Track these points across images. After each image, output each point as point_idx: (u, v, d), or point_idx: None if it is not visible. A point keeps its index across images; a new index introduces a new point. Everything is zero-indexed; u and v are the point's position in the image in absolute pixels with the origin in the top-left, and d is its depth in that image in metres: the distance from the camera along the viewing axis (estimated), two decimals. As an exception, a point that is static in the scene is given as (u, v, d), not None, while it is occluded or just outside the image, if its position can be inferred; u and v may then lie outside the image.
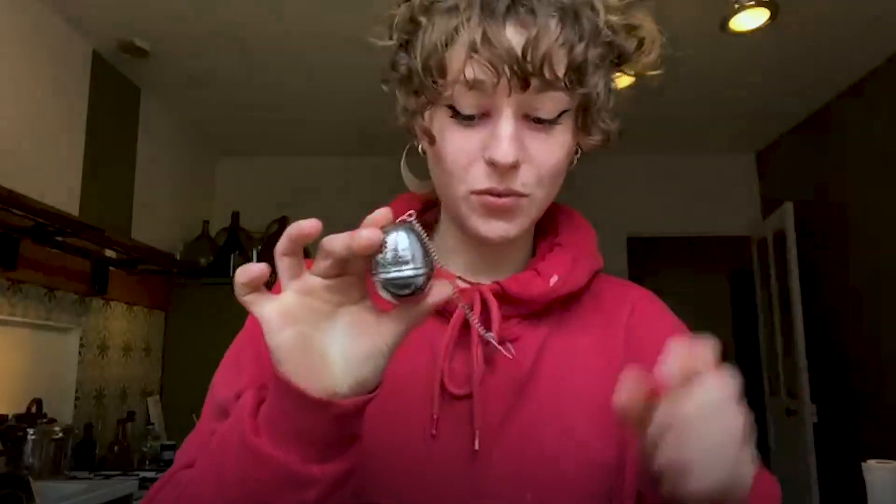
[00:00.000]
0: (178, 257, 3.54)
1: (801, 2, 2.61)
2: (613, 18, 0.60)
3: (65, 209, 2.72)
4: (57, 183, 2.76)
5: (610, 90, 0.62)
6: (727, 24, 2.08)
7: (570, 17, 0.57)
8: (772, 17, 2.07)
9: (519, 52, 0.55)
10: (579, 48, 0.57)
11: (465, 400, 0.60)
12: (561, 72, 0.56)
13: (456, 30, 0.57)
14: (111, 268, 2.99)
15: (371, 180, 4.52)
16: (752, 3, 2.02)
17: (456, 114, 0.59)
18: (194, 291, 3.70)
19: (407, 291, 0.47)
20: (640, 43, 0.62)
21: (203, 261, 3.78)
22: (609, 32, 0.59)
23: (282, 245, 0.49)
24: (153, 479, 2.46)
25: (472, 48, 0.56)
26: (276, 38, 2.94)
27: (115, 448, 2.87)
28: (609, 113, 0.63)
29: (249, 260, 3.74)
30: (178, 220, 3.89)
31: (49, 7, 2.68)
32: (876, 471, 1.26)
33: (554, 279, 0.64)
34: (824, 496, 3.51)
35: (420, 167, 0.70)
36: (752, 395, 5.00)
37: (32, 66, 2.63)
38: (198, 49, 3.03)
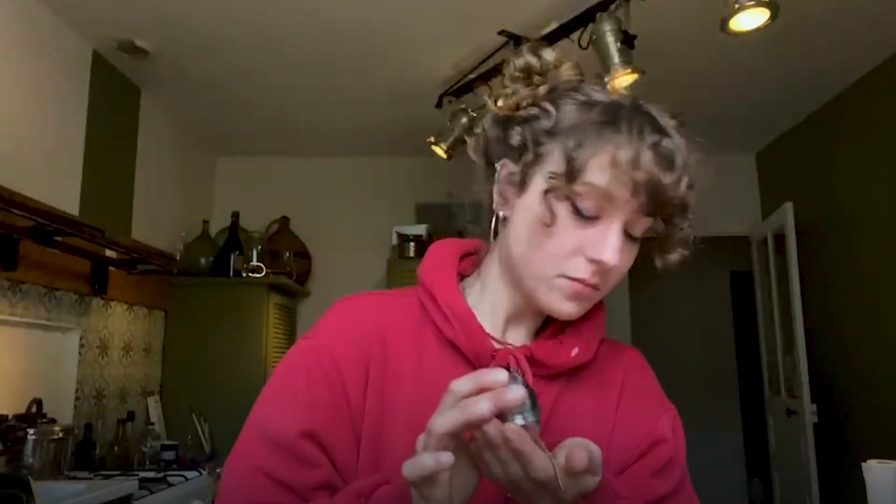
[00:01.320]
0: (178, 257, 3.54)
1: (801, 2, 2.61)
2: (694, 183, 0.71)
3: (65, 209, 2.72)
4: (57, 183, 2.76)
5: (681, 231, 0.73)
6: (727, 24, 2.08)
7: (687, 171, 0.69)
8: (772, 17, 2.07)
9: (665, 183, 0.66)
10: (692, 194, 0.70)
11: None
12: (672, 211, 0.69)
13: (608, 141, 0.66)
14: (111, 268, 2.99)
15: (371, 180, 4.52)
16: (752, 3, 2.01)
17: (577, 210, 0.67)
18: (194, 291, 3.70)
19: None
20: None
21: (203, 261, 3.78)
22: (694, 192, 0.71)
23: (455, 424, 0.55)
24: (153, 479, 2.47)
25: (618, 164, 0.65)
26: (276, 38, 2.94)
27: (115, 448, 2.87)
28: (683, 243, 0.75)
29: (249, 260, 3.74)
30: (178, 220, 3.89)
31: (49, 7, 2.68)
32: (876, 471, 1.26)
33: (575, 351, 0.75)
34: (824, 496, 3.51)
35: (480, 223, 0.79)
36: (753, 395, 5.01)
37: (32, 66, 2.63)
38: (198, 49, 3.03)
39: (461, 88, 3.17)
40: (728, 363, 5.79)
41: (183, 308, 3.69)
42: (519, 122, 0.71)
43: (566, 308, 0.71)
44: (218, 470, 2.96)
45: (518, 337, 0.78)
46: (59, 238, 2.51)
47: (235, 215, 3.96)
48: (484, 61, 3.04)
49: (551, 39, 2.67)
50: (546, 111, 0.69)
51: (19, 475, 1.81)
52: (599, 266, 0.68)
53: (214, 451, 3.21)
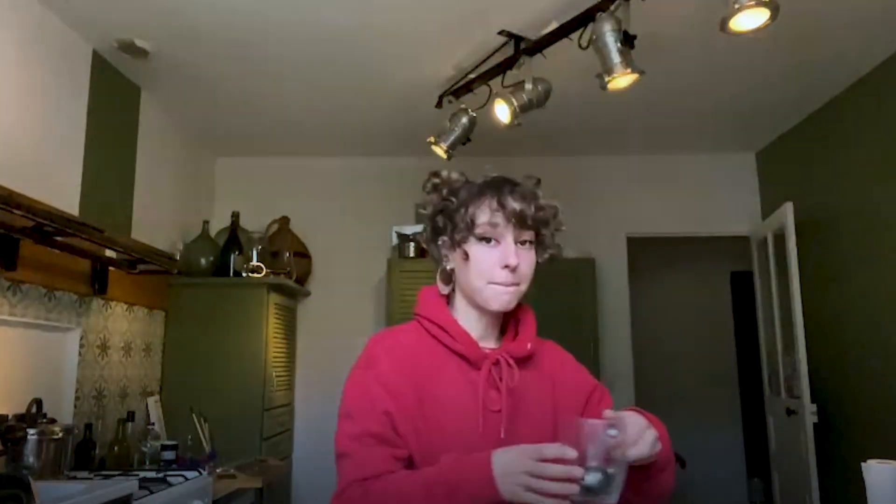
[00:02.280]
0: (178, 257, 3.54)
1: (801, 2, 2.61)
2: (545, 202, 1.17)
3: (65, 209, 2.72)
4: (57, 183, 2.76)
5: (552, 236, 1.18)
6: (727, 24, 2.08)
7: (535, 198, 1.14)
8: (772, 17, 2.07)
9: (518, 210, 1.11)
10: (540, 213, 1.14)
11: (496, 413, 1.10)
12: (533, 222, 1.13)
13: (481, 201, 1.13)
14: (111, 268, 2.99)
15: (371, 180, 4.52)
16: (752, 3, 2.01)
17: (482, 239, 1.12)
18: (194, 291, 3.70)
19: None
20: (555, 215, 1.17)
21: (203, 261, 3.78)
22: (547, 208, 1.16)
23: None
24: (153, 479, 2.47)
25: (494, 208, 1.12)
26: (276, 38, 2.94)
27: (115, 448, 2.87)
28: (553, 246, 1.18)
29: (249, 260, 3.75)
30: (178, 220, 3.89)
31: (49, 7, 2.68)
32: (876, 471, 1.26)
33: (529, 345, 1.18)
34: (824, 496, 3.51)
35: (443, 277, 1.23)
36: (753, 395, 5.00)
37: (32, 67, 2.63)
38: (198, 49, 3.03)
39: (461, 88, 3.17)
40: (728, 363, 5.79)
41: (183, 308, 3.69)
42: (438, 214, 1.17)
43: (503, 301, 1.13)
44: (218, 470, 2.96)
45: (489, 343, 1.19)
46: (59, 238, 2.51)
47: (235, 215, 3.96)
48: (484, 61, 3.04)
49: (551, 39, 2.67)
50: (450, 200, 1.15)
51: (19, 475, 1.80)
52: (510, 269, 1.10)
53: (214, 451, 3.21)
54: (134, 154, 3.42)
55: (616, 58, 2.34)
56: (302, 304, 4.37)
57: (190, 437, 3.29)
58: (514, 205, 1.11)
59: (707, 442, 5.45)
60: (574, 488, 0.86)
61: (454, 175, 1.19)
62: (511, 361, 1.13)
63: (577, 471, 0.86)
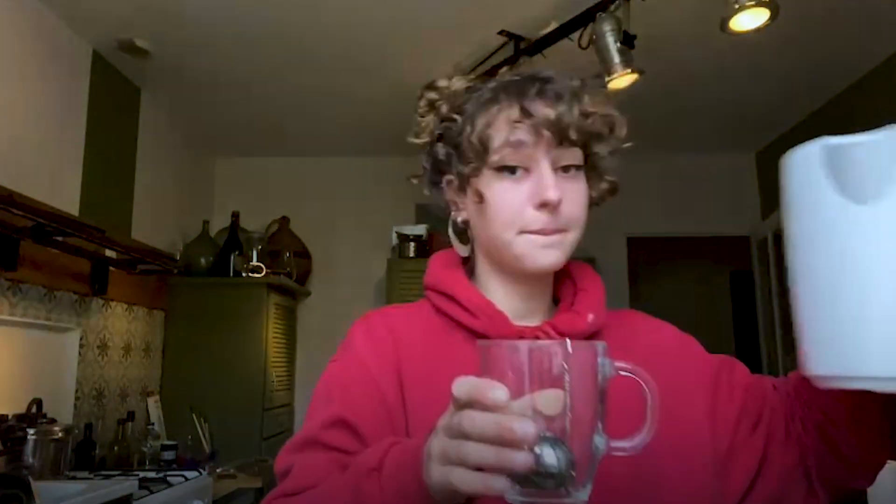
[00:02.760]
0: (178, 257, 3.54)
1: (801, 2, 2.61)
2: (600, 108, 0.79)
3: (65, 209, 2.73)
4: (57, 183, 2.76)
5: (611, 155, 0.81)
6: (727, 24, 2.08)
7: (579, 99, 0.76)
8: (772, 17, 2.07)
9: (553, 118, 0.74)
10: (589, 120, 0.76)
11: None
12: (579, 135, 0.75)
13: (497, 111, 0.77)
14: (111, 268, 2.99)
15: (371, 180, 4.52)
16: (752, 3, 2.01)
17: (502, 170, 0.75)
18: (194, 291, 3.70)
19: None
20: (612, 127, 0.81)
21: (203, 261, 3.78)
22: (600, 116, 0.79)
23: (484, 463, 0.50)
24: (153, 479, 2.47)
25: (515, 120, 0.74)
26: (276, 38, 2.94)
27: (115, 448, 2.87)
28: (611, 171, 0.82)
29: (249, 260, 3.74)
30: (178, 220, 3.89)
31: (49, 7, 2.68)
32: (876, 471, 1.26)
33: (591, 317, 0.80)
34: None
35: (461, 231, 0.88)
36: (752, 395, 4.91)
37: (32, 66, 2.63)
38: (198, 49, 3.03)
39: (461, 88, 3.17)
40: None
41: (183, 308, 3.68)
42: (438, 142, 0.82)
43: (544, 258, 0.76)
44: (218, 470, 2.96)
45: (532, 322, 0.82)
46: (59, 238, 2.51)
47: (235, 215, 3.96)
48: (484, 61, 3.04)
49: (551, 39, 2.68)
50: (452, 119, 0.80)
51: (19, 475, 1.80)
52: (549, 208, 0.74)
53: (214, 451, 3.21)
54: (134, 154, 3.42)
55: (616, 58, 2.34)
56: (302, 304, 4.37)
57: (190, 437, 3.29)
58: (547, 111, 0.74)
59: (707, 442, 5.44)
60: (513, 458, 0.48)
61: (457, 83, 0.83)
62: (556, 337, 0.77)
63: (518, 423, 0.47)
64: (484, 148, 0.76)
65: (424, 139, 0.85)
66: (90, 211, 2.92)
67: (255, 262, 3.72)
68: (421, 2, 2.66)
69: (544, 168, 0.74)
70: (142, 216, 3.44)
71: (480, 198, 0.77)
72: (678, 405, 0.77)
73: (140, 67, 3.20)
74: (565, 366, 0.51)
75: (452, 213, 0.85)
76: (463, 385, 0.51)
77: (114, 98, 3.22)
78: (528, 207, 0.75)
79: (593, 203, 0.82)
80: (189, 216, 4.00)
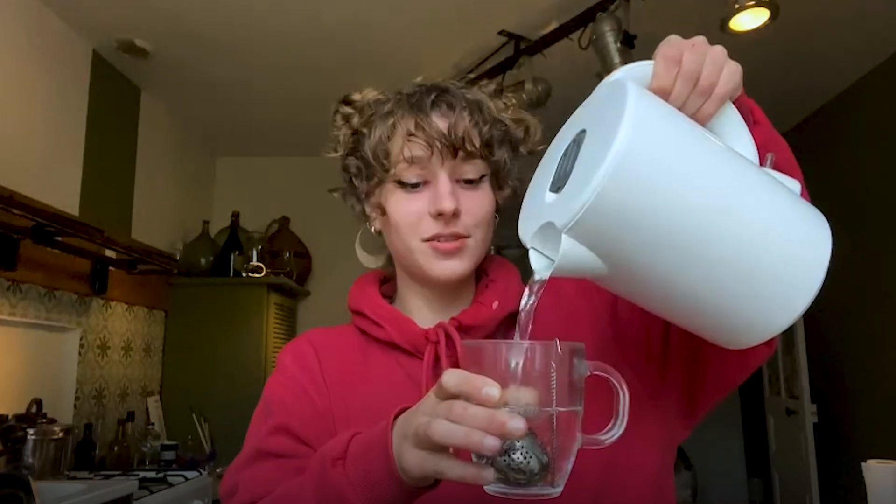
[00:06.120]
0: (178, 257, 3.54)
1: (801, 2, 2.61)
2: (504, 115, 0.81)
3: (65, 209, 2.73)
4: (57, 183, 2.76)
5: (512, 161, 0.82)
6: (727, 24, 2.08)
7: (476, 109, 0.78)
8: (772, 17, 2.07)
9: (445, 131, 0.75)
10: (486, 128, 0.78)
11: None
12: (477, 144, 0.77)
13: (393, 125, 0.78)
14: (111, 268, 2.99)
15: (371, 180, 4.52)
16: (752, 3, 2.01)
17: (402, 185, 0.77)
18: (194, 291, 3.70)
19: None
20: (527, 130, 0.83)
21: (203, 261, 3.78)
22: (503, 123, 0.80)
23: (454, 443, 0.53)
24: (153, 479, 2.47)
25: (409, 133, 0.76)
26: (276, 38, 2.94)
27: (115, 448, 2.87)
28: (514, 176, 0.82)
29: (249, 260, 3.74)
30: (178, 220, 3.89)
31: (49, 7, 2.68)
32: (876, 471, 1.26)
33: (495, 304, 0.81)
34: (824, 496, 3.51)
35: (373, 244, 0.89)
36: (753, 395, 4.98)
37: (32, 67, 2.63)
38: (198, 49, 3.03)
39: (461, 88, 3.17)
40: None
41: (183, 308, 3.68)
42: (349, 156, 0.84)
43: (443, 267, 0.77)
44: (218, 470, 2.96)
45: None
46: (59, 238, 2.51)
47: (235, 215, 3.96)
48: (484, 61, 3.04)
49: (551, 39, 2.68)
50: (361, 132, 0.81)
51: (19, 475, 1.80)
52: (444, 217, 0.75)
53: (214, 451, 3.21)
54: (134, 154, 3.42)
55: (616, 58, 2.34)
56: (302, 304, 4.37)
57: (190, 437, 3.29)
58: (441, 123, 0.76)
59: (707, 442, 5.44)
60: (492, 443, 0.51)
61: (372, 95, 0.84)
62: (454, 334, 0.78)
63: (511, 420, 0.51)
64: (381, 163, 0.78)
65: (340, 153, 0.86)
66: (90, 211, 2.92)
67: (255, 262, 3.72)
68: (421, 2, 2.66)
69: (441, 179, 0.76)
70: (142, 216, 3.44)
71: (383, 210, 0.81)
72: (576, 330, 0.80)
73: (140, 67, 3.20)
74: (553, 365, 0.55)
75: (367, 224, 0.86)
76: (454, 376, 0.53)
77: (114, 98, 3.22)
78: (426, 216, 0.77)
79: (499, 210, 0.83)
80: (189, 216, 4.00)
